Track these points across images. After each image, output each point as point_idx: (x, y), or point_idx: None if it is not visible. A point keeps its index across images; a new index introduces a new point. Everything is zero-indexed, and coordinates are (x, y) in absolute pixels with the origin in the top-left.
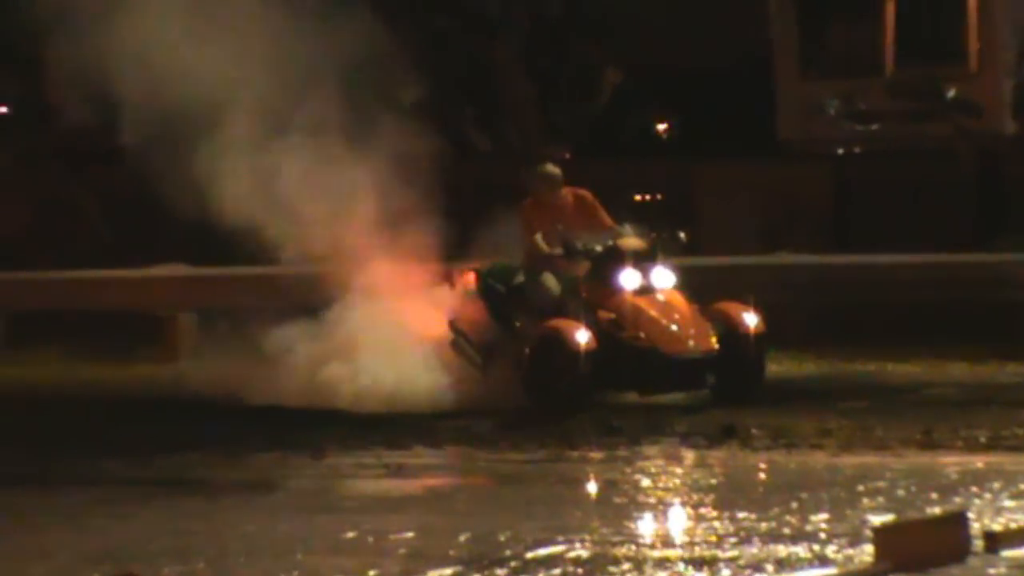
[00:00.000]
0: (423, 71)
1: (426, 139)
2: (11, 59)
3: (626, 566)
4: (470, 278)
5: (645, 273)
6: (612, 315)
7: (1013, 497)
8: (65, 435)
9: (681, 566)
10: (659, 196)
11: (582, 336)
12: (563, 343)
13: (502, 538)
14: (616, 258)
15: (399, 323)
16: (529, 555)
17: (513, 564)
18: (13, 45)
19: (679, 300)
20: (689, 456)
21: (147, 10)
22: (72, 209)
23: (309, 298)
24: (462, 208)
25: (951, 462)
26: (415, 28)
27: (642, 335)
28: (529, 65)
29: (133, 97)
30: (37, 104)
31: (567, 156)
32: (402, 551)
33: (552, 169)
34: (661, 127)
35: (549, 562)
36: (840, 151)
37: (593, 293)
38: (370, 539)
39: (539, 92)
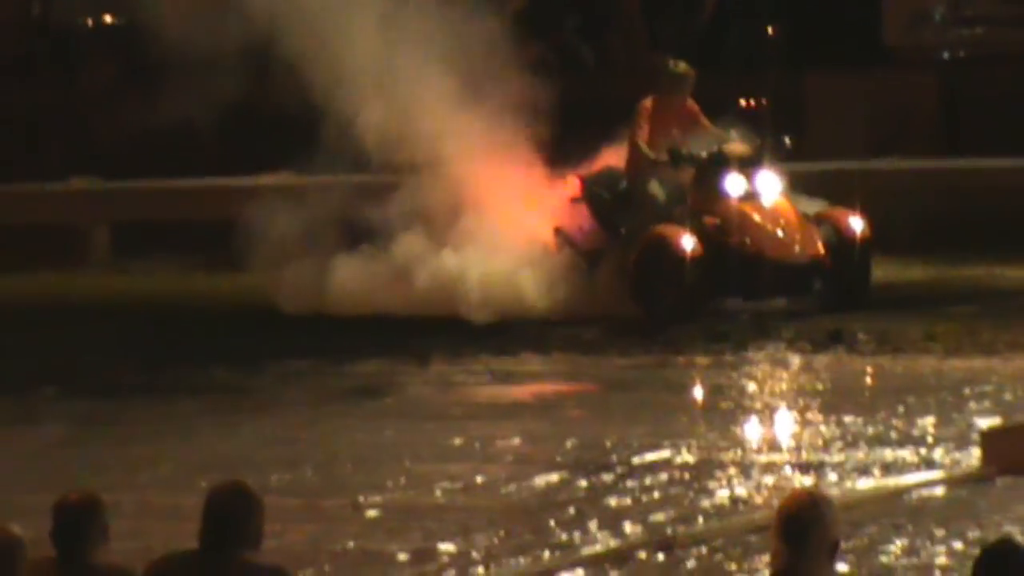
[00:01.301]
0: None
1: (529, 49)
2: None
3: (732, 471)
4: (575, 184)
5: (751, 178)
6: (718, 221)
7: None
8: (173, 345)
9: (788, 470)
10: (764, 102)
11: (687, 242)
12: (669, 249)
13: (608, 444)
14: (721, 164)
15: (505, 229)
16: (636, 460)
17: (620, 470)
18: None
19: (785, 205)
20: (795, 361)
21: None
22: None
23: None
24: (568, 119)
25: None
26: None
27: (748, 241)
28: None
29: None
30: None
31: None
32: (509, 458)
33: (685, 68)
34: (768, 32)
35: (656, 467)
36: (947, 56)
37: (698, 199)
38: (477, 446)
39: (645, 3)
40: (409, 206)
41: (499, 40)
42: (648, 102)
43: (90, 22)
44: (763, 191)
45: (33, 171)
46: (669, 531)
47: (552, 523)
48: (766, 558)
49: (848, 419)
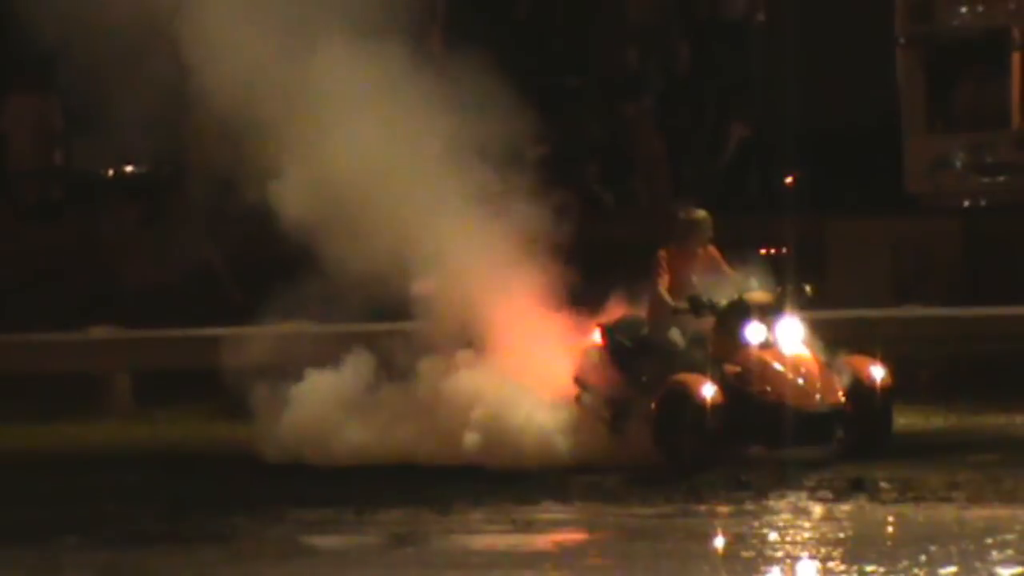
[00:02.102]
0: (551, 126)
1: (552, 194)
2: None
3: None
4: (597, 332)
5: (771, 326)
6: (739, 369)
7: None
8: (195, 493)
9: None
10: (784, 249)
11: (709, 390)
12: (690, 397)
13: None
14: (742, 312)
15: (526, 375)
16: None
17: None
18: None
19: (806, 353)
20: (817, 510)
21: (288, 82)
22: (203, 268)
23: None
24: (588, 263)
25: None
26: (546, 85)
27: (769, 389)
28: (659, 120)
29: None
30: (171, 165)
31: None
32: None
33: (703, 215)
34: (788, 180)
35: None
36: (967, 204)
37: (719, 347)
38: None
39: (668, 147)
40: (428, 349)
41: (521, 186)
42: (667, 250)
43: (111, 171)
44: (784, 339)
45: (55, 319)
46: None
47: None
48: None
49: (870, 568)
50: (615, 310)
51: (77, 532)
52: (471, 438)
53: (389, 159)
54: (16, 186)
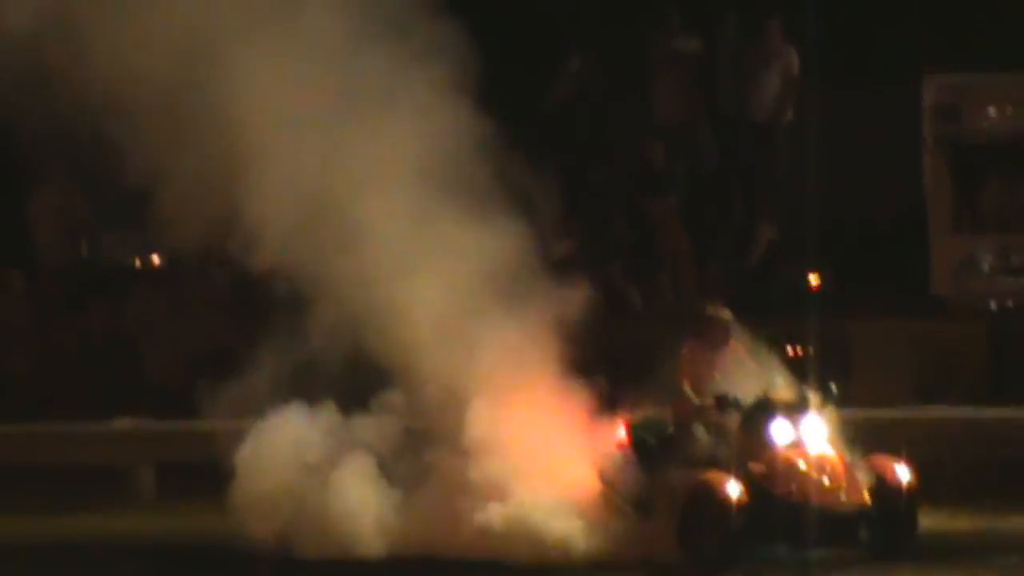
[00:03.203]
0: (575, 223)
1: (577, 293)
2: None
3: None
4: (622, 430)
5: (797, 425)
6: (764, 468)
7: None
8: None
9: None
10: (809, 349)
11: (733, 489)
12: (714, 496)
13: None
14: (767, 410)
15: (551, 473)
16: None
17: None
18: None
19: (831, 453)
20: None
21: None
22: (228, 358)
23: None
24: (614, 362)
25: None
26: (575, 180)
27: (794, 488)
28: (685, 218)
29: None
30: (194, 255)
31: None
32: None
33: (725, 315)
34: (814, 281)
35: None
36: (994, 306)
37: (744, 445)
38: None
39: (694, 246)
40: (448, 446)
41: (544, 286)
42: (689, 348)
43: (138, 262)
44: (809, 438)
45: (80, 410)
46: None
47: None
48: None
49: None
50: (640, 408)
51: None
52: (495, 533)
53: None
54: (43, 277)
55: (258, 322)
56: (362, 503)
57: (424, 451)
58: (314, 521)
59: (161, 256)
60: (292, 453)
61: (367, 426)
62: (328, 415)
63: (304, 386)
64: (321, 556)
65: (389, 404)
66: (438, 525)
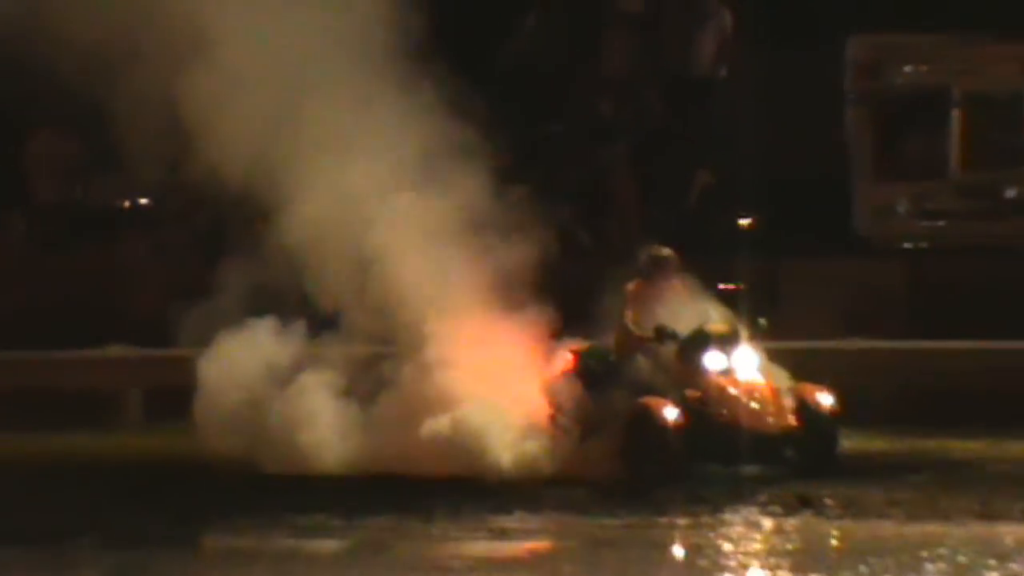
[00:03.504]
0: (532, 169)
1: (532, 232)
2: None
3: None
4: (570, 358)
5: (729, 355)
6: (699, 393)
7: None
8: (199, 500)
9: None
10: (741, 286)
11: (671, 413)
12: (654, 419)
13: None
14: (703, 341)
15: (505, 396)
16: None
17: None
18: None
19: (760, 380)
20: (767, 523)
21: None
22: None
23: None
24: (565, 296)
25: (1007, 531)
26: (525, 130)
27: (726, 412)
28: (632, 167)
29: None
30: (178, 198)
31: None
32: None
33: (668, 253)
34: (746, 223)
35: None
36: (910, 246)
37: (681, 373)
38: None
39: (640, 192)
40: (411, 369)
41: (505, 228)
42: (635, 284)
43: (127, 204)
44: (740, 367)
45: (74, 339)
46: None
47: None
48: None
49: None
50: (587, 338)
51: (89, 535)
52: (448, 446)
53: (385, 194)
54: (39, 218)
55: (230, 257)
56: (322, 418)
57: (384, 367)
58: (276, 437)
59: (148, 198)
60: (255, 368)
61: (331, 343)
62: (292, 332)
63: (272, 308)
64: (282, 471)
65: (352, 323)
66: (395, 439)
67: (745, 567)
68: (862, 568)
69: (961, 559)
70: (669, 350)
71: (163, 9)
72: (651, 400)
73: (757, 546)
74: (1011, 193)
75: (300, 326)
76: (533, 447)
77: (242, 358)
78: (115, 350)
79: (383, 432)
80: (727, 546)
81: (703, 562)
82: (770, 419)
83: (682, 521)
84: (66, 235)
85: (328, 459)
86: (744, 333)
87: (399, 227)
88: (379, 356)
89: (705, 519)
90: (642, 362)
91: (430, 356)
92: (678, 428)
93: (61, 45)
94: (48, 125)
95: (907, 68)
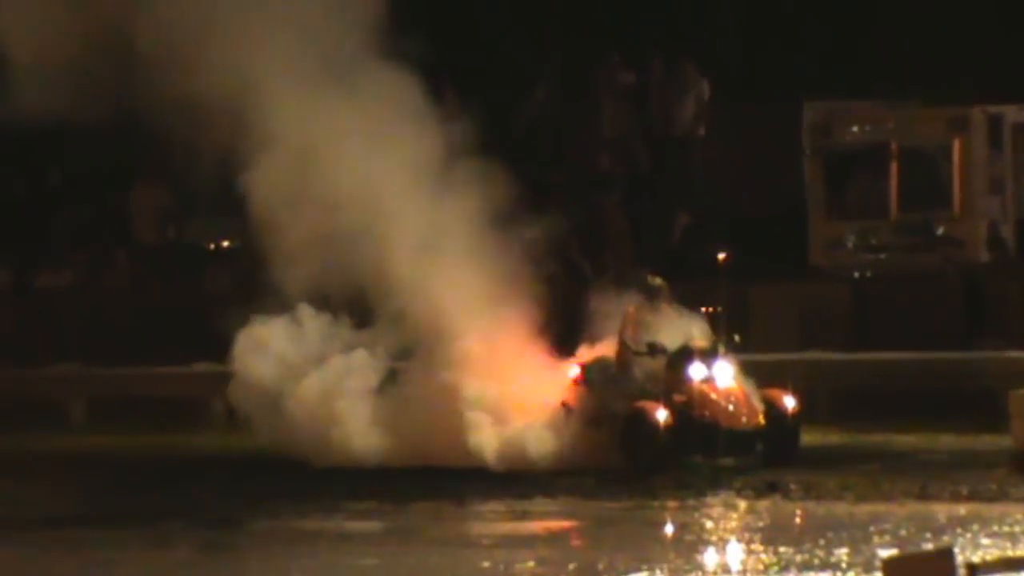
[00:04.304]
0: (542, 212)
1: (543, 265)
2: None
3: None
4: (577, 369)
5: (709, 366)
6: (684, 398)
7: (988, 536)
8: (272, 488)
9: None
10: (718, 308)
11: (661, 414)
12: (647, 419)
13: (601, 566)
14: (687, 355)
15: (526, 400)
16: None
17: None
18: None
19: (735, 386)
20: (742, 505)
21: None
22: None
23: None
24: (570, 317)
25: (941, 509)
26: (536, 180)
27: (707, 413)
28: (625, 208)
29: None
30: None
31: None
32: None
33: (660, 282)
34: (721, 256)
35: None
36: (857, 275)
37: (670, 381)
38: (501, 567)
39: (632, 229)
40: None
41: (521, 259)
42: (633, 307)
43: (212, 245)
44: (719, 376)
45: (169, 356)
46: None
47: None
48: None
49: (782, 549)
50: (592, 353)
51: (181, 517)
52: (479, 444)
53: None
54: (140, 255)
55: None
56: (357, 412)
57: (416, 370)
58: (316, 431)
59: (231, 240)
60: (284, 358)
61: (368, 339)
62: (331, 323)
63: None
64: (330, 464)
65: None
66: (426, 434)
67: (724, 541)
68: (821, 541)
69: (903, 533)
70: (660, 362)
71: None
72: (645, 403)
73: (734, 524)
74: (939, 230)
75: (344, 319)
76: (547, 441)
77: (268, 345)
78: (201, 366)
79: (417, 427)
80: (709, 524)
81: (689, 537)
82: (744, 419)
83: (671, 504)
84: (161, 270)
85: (365, 452)
86: (722, 348)
87: (445, 259)
88: (406, 361)
89: (690, 502)
90: (637, 372)
91: (466, 361)
92: (667, 426)
93: (170, 108)
94: (148, 177)
95: (853, 128)
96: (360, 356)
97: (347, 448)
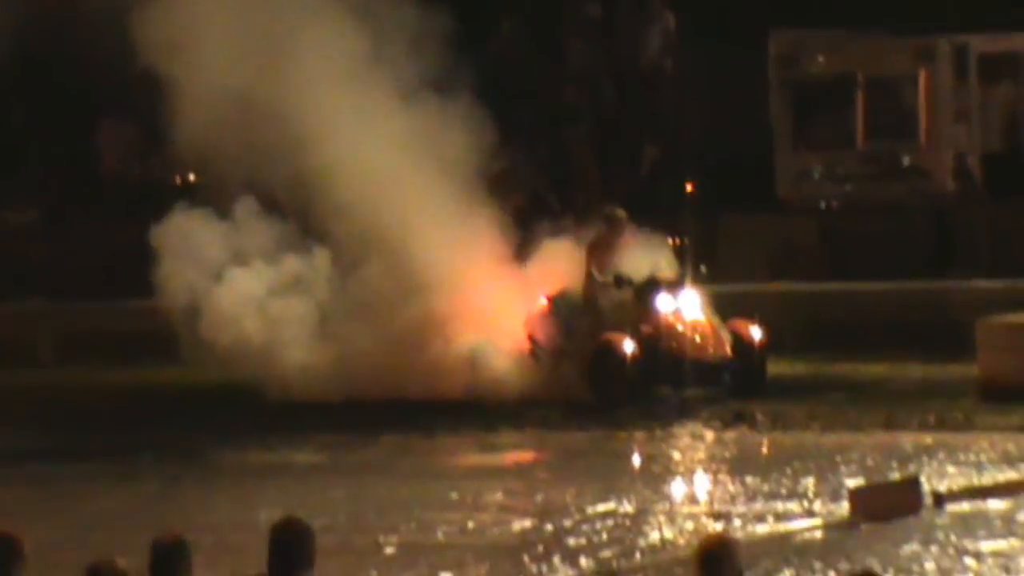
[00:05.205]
0: (511, 146)
1: (512, 198)
2: None
3: (662, 518)
4: (544, 302)
5: (676, 297)
6: (651, 330)
7: (954, 465)
8: (240, 422)
9: (703, 519)
10: (685, 240)
11: (629, 346)
12: (615, 351)
13: (568, 498)
14: (654, 286)
15: (492, 333)
16: (589, 510)
17: (577, 516)
18: None
19: (702, 318)
20: (709, 436)
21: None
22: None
23: None
24: (538, 248)
25: (907, 439)
26: (507, 115)
27: (674, 344)
28: (591, 142)
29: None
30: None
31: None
32: (493, 508)
33: (621, 213)
34: (689, 188)
35: (605, 516)
36: (824, 206)
37: (637, 312)
38: (469, 499)
39: (599, 163)
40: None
41: (489, 193)
42: (597, 238)
43: (178, 179)
44: (686, 307)
45: (134, 291)
46: (614, 564)
47: (526, 558)
48: None
49: (749, 479)
50: (558, 284)
51: (148, 451)
52: (448, 377)
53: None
54: (105, 191)
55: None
56: (302, 340)
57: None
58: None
59: (197, 175)
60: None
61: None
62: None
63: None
64: (290, 398)
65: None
66: (396, 364)
67: (691, 472)
68: (788, 471)
69: (869, 462)
70: (626, 294)
71: None
72: (612, 335)
73: (701, 455)
74: (906, 160)
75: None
76: (515, 374)
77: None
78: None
79: (384, 357)
80: (676, 455)
81: (656, 468)
82: (710, 350)
83: (638, 435)
84: (128, 205)
85: (335, 386)
86: (688, 279)
87: (408, 187)
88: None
89: (658, 432)
90: (604, 304)
91: (438, 300)
92: (634, 358)
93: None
94: (112, 114)
95: (819, 58)
96: (322, 256)
97: (305, 379)
